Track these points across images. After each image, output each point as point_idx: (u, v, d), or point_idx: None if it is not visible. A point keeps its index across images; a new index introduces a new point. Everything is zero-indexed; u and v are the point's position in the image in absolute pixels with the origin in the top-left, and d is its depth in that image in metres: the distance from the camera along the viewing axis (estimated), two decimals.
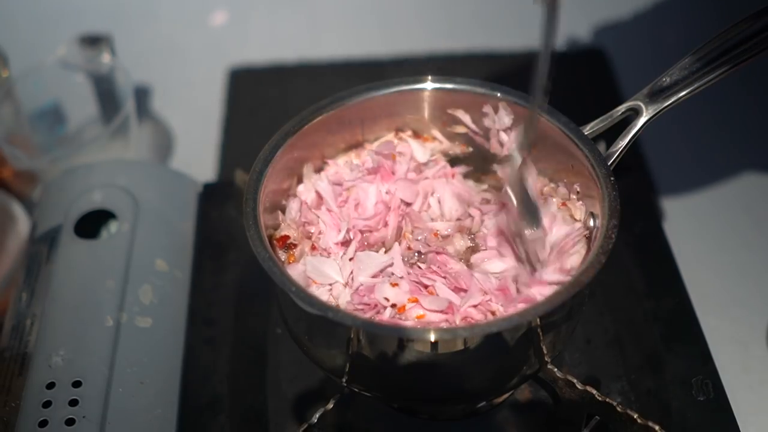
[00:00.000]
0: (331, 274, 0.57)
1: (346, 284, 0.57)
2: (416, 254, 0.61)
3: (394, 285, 0.56)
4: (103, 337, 0.63)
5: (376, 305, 0.56)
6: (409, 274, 0.58)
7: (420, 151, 0.66)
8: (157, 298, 0.67)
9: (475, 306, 0.55)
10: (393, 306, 0.55)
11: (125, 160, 0.81)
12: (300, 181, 0.64)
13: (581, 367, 0.66)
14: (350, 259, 0.58)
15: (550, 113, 0.61)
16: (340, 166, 0.66)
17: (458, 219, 0.64)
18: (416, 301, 0.55)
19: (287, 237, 0.60)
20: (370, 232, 0.62)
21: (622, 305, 0.70)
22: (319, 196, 0.63)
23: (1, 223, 0.76)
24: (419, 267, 0.59)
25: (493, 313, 0.55)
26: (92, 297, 0.65)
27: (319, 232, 0.61)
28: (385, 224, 0.62)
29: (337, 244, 0.60)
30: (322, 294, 0.57)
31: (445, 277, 0.57)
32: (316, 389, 0.66)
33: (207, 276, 0.73)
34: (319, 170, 0.65)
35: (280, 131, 0.61)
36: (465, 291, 0.56)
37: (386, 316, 0.55)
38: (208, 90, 0.98)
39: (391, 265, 0.58)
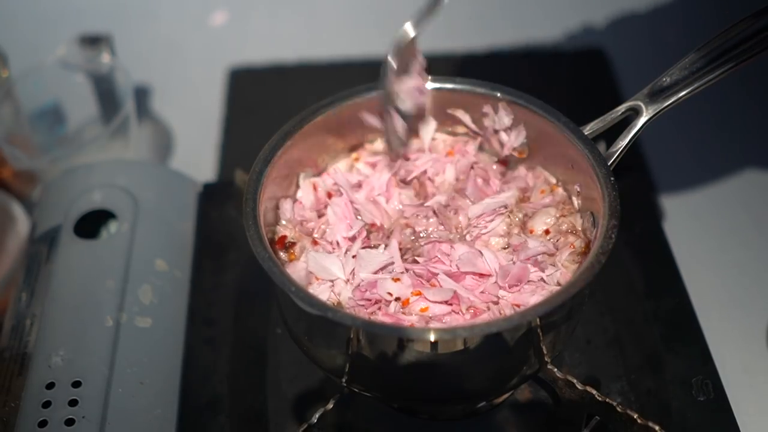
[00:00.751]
0: (334, 270, 0.57)
1: (347, 281, 0.57)
2: (410, 250, 0.61)
3: (396, 280, 0.56)
4: (103, 337, 0.63)
5: (377, 301, 0.56)
6: (407, 271, 0.58)
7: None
8: (157, 298, 0.67)
9: (482, 292, 0.55)
10: (397, 300, 0.55)
11: (125, 160, 0.81)
12: (298, 185, 0.64)
13: (581, 367, 0.66)
14: (353, 257, 0.58)
15: (550, 113, 0.61)
16: (338, 172, 0.66)
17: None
18: (420, 294, 0.55)
19: (285, 237, 0.60)
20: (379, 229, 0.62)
21: (622, 305, 0.70)
22: (328, 195, 0.63)
23: (1, 223, 0.76)
24: (417, 261, 0.59)
25: (495, 302, 0.55)
26: (92, 297, 0.65)
27: (324, 231, 0.61)
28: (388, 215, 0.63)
29: (345, 238, 0.60)
30: (323, 291, 0.57)
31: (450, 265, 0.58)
32: (316, 389, 0.66)
33: (207, 276, 0.73)
34: (318, 174, 0.65)
35: (280, 131, 0.61)
36: (479, 275, 0.57)
37: (391, 310, 0.55)
38: (208, 90, 0.98)
39: (392, 263, 0.58)
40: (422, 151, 0.67)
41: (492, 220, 0.61)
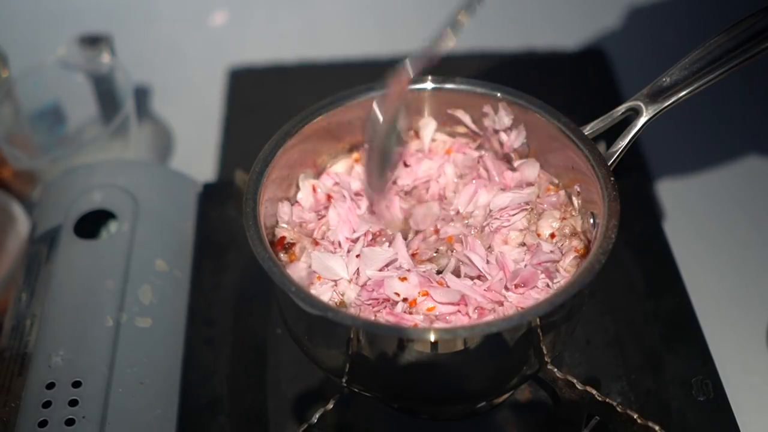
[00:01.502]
0: (337, 269, 0.57)
1: (350, 280, 0.57)
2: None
3: (403, 279, 0.56)
4: (103, 337, 0.63)
5: (385, 300, 0.56)
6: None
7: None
8: (157, 298, 0.67)
9: (487, 289, 0.55)
10: (404, 300, 0.55)
11: (125, 160, 0.80)
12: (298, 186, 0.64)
13: (581, 367, 0.66)
14: (357, 256, 0.58)
15: (550, 113, 0.61)
16: (338, 174, 0.65)
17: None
18: (427, 294, 0.55)
19: (284, 238, 0.60)
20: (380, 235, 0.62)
21: (622, 305, 0.70)
22: (328, 198, 0.63)
23: (1, 223, 0.76)
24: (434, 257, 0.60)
25: (500, 303, 0.55)
26: (92, 297, 0.65)
27: (324, 232, 0.61)
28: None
29: (347, 239, 0.60)
30: (325, 290, 0.57)
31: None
32: (316, 389, 0.66)
33: (207, 276, 0.73)
34: (318, 175, 0.65)
35: (280, 131, 0.61)
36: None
37: (398, 310, 0.55)
38: (208, 90, 0.98)
39: (396, 260, 0.58)
40: (422, 151, 0.67)
41: (515, 214, 0.61)
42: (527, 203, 0.61)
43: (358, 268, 0.58)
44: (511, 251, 0.59)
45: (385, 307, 0.55)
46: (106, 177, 0.74)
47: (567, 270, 0.57)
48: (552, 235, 0.60)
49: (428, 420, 0.64)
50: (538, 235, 0.60)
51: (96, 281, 0.66)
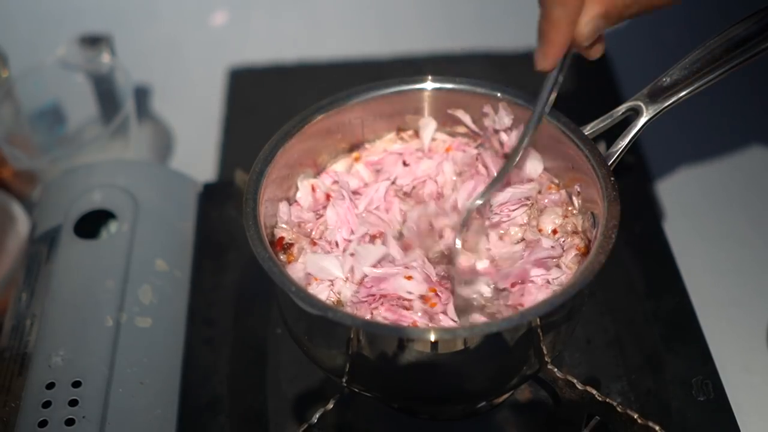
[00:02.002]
0: (332, 269, 0.57)
1: (346, 279, 0.57)
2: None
3: (408, 278, 0.56)
4: (103, 337, 0.63)
5: (382, 296, 0.56)
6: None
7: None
8: (157, 298, 0.67)
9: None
10: (421, 298, 0.55)
11: (125, 160, 0.81)
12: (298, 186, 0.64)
13: (581, 367, 0.66)
14: (351, 255, 0.58)
15: (550, 113, 0.61)
16: (338, 172, 0.66)
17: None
18: (435, 291, 0.55)
19: (282, 239, 0.60)
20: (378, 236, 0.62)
21: (622, 305, 0.70)
22: (327, 197, 0.63)
23: (1, 223, 0.76)
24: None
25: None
26: (92, 297, 0.65)
27: (322, 232, 0.61)
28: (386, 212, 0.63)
29: (345, 239, 0.60)
30: (322, 290, 0.57)
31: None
32: (316, 389, 0.66)
33: (207, 276, 0.73)
34: (318, 175, 0.65)
35: (280, 131, 0.61)
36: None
37: (417, 308, 0.55)
38: (208, 90, 0.98)
39: (388, 254, 0.58)
40: (422, 151, 0.67)
41: (515, 210, 0.61)
42: (527, 198, 0.61)
43: (353, 266, 0.58)
44: (503, 248, 0.59)
45: (382, 303, 0.55)
46: (106, 177, 0.74)
47: (569, 267, 0.57)
48: (554, 231, 0.60)
49: (428, 420, 0.64)
50: (540, 231, 0.60)
51: (96, 281, 0.66)
